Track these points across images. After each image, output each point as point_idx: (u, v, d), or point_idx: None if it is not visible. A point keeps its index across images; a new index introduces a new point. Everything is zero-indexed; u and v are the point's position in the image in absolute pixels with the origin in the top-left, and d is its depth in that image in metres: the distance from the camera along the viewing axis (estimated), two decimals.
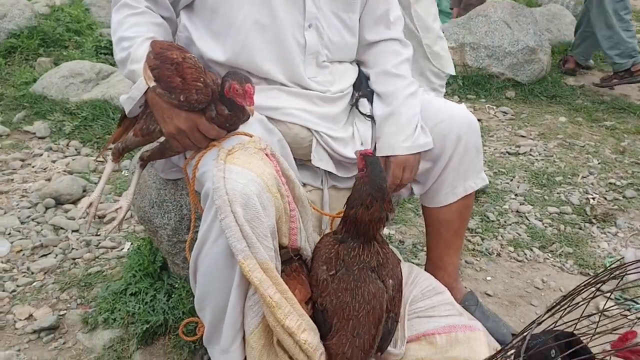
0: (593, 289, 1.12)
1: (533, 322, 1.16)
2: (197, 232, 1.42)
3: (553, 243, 2.60)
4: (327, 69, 1.70)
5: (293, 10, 1.59)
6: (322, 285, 1.44)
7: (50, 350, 1.91)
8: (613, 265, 1.05)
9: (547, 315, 1.05)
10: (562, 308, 1.14)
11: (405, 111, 1.70)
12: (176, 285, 1.89)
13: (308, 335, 1.37)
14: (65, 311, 2.10)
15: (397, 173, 1.70)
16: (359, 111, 1.77)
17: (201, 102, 1.39)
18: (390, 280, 1.46)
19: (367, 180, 1.45)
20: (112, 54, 4.42)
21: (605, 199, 3.01)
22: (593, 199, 3.00)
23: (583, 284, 1.11)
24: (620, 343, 0.84)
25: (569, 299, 1.12)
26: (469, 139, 1.72)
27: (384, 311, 1.43)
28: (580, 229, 2.74)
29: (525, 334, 1.17)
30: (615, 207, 2.95)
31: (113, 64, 4.23)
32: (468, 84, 4.50)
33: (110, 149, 1.63)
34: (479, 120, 2.42)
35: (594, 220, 2.81)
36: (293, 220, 1.46)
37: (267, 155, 1.43)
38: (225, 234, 1.29)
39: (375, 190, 1.44)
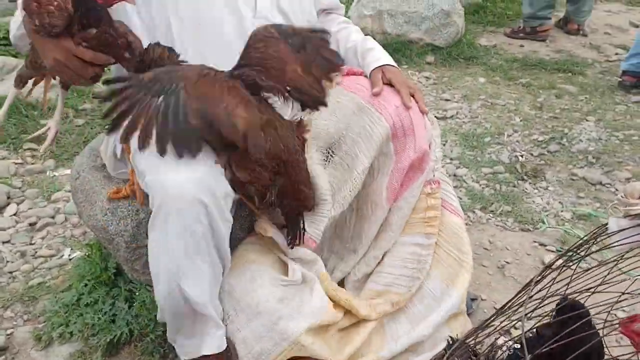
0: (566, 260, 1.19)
1: (516, 296, 1.21)
2: None
3: (492, 203, 2.72)
4: None
5: None
6: None
7: None
8: (585, 238, 1.11)
9: (525, 296, 1.10)
10: (536, 283, 1.20)
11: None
12: (136, 292, 1.81)
13: None
14: (12, 329, 1.98)
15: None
16: None
17: (55, 25, 1.35)
18: None
19: None
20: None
21: (532, 154, 3.17)
22: (521, 156, 3.15)
23: (556, 258, 1.17)
24: (630, 323, 0.90)
25: (541, 274, 1.18)
26: None
27: None
28: (515, 186, 2.88)
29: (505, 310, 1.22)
30: (542, 162, 3.11)
31: (15, 56, 3.92)
32: (389, 52, 4.38)
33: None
34: None
35: (525, 177, 2.95)
36: None
37: None
38: None
39: None
